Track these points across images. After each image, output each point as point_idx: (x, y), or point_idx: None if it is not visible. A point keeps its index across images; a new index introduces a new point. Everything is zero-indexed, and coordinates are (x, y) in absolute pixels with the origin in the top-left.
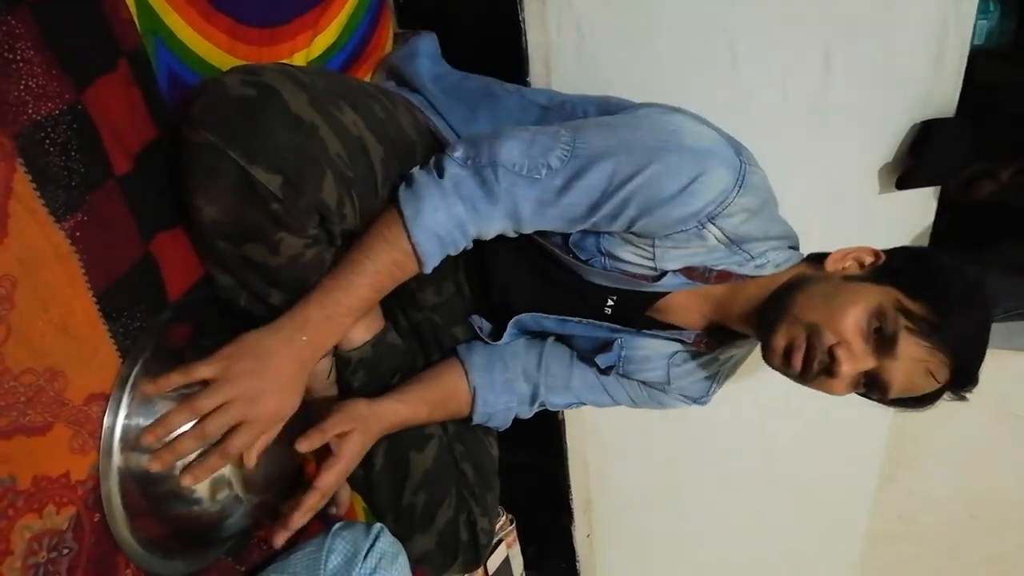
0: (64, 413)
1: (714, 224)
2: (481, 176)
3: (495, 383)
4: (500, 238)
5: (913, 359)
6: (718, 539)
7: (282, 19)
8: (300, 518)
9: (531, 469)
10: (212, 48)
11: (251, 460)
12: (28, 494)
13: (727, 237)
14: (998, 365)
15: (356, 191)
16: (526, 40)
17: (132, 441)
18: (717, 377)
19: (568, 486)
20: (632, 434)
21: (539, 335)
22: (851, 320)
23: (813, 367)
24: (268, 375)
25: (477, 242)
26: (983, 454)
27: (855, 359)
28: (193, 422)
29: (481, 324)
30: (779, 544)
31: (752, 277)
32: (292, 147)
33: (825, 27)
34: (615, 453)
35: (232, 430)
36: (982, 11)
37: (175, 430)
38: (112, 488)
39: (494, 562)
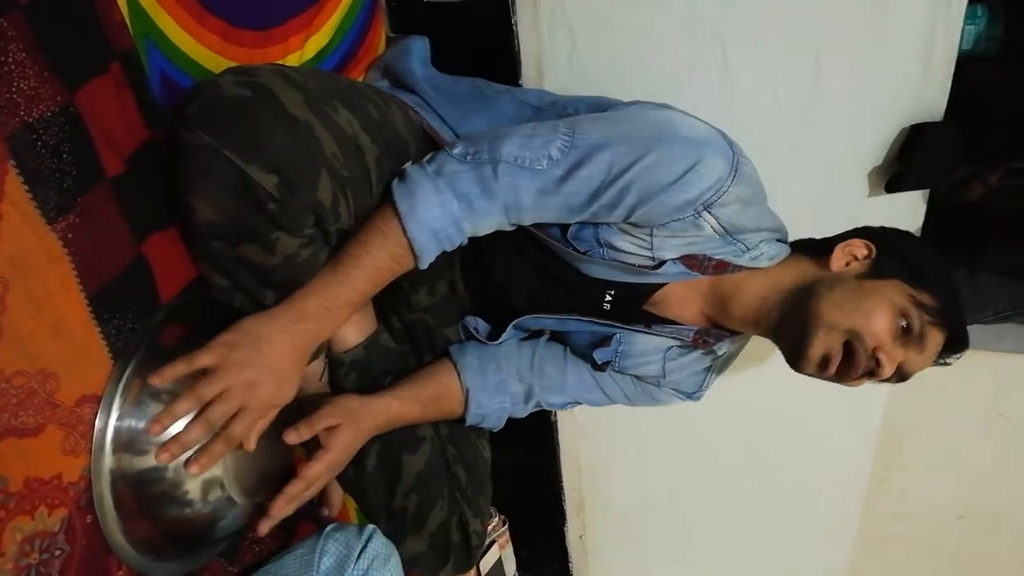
0: (56, 415)
1: (710, 213)
2: (479, 172)
3: (488, 384)
4: (498, 237)
5: (934, 347)
6: (710, 540)
7: (274, 21)
8: (282, 506)
9: (524, 470)
10: (204, 50)
11: (251, 444)
12: (20, 496)
13: (722, 227)
14: (987, 366)
15: (351, 191)
16: (518, 43)
17: (124, 443)
18: (708, 373)
19: (561, 487)
20: (624, 435)
21: (534, 334)
22: (883, 323)
23: (859, 372)
24: (265, 363)
25: (475, 242)
26: (972, 455)
27: (893, 360)
28: (194, 413)
29: (476, 325)
30: (771, 545)
31: (748, 269)
32: (288, 147)
33: (815, 32)
34: (608, 454)
35: (232, 417)
36: (970, 17)
37: (181, 418)
38: (104, 489)
39: (487, 563)
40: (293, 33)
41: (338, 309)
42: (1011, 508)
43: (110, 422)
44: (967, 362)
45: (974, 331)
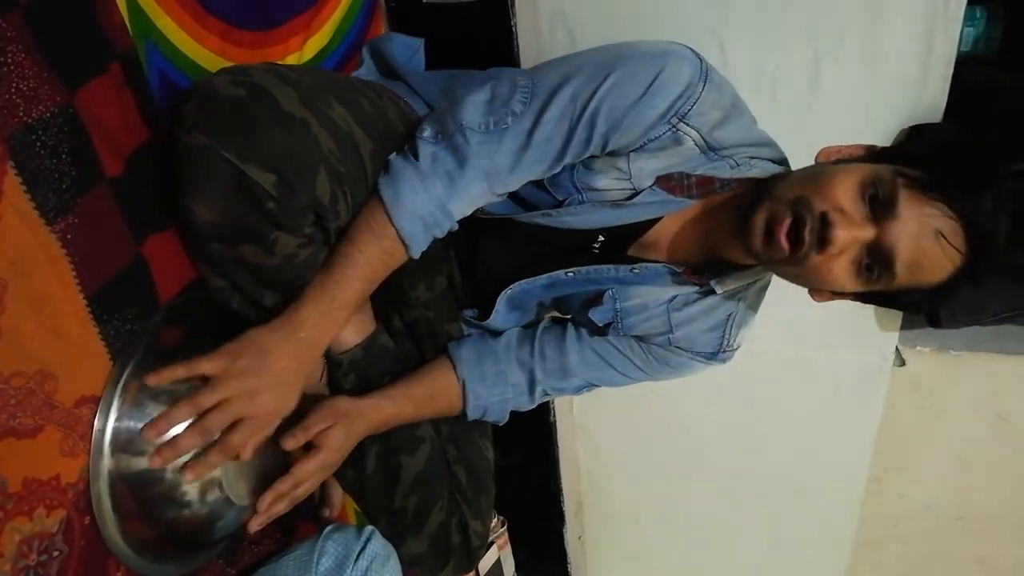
0: (54, 416)
1: (688, 124)
2: (453, 145)
3: (486, 375)
4: (483, 226)
5: (917, 216)
6: (708, 541)
7: (274, 22)
8: (269, 502)
9: (522, 471)
10: (204, 51)
11: (247, 455)
12: (18, 497)
13: (704, 141)
14: (985, 367)
15: (348, 187)
16: (518, 45)
17: (123, 443)
18: (727, 326)
19: (559, 488)
20: (623, 436)
21: (534, 323)
22: (841, 187)
23: (804, 238)
24: (267, 373)
25: (469, 234)
26: (970, 456)
27: (851, 223)
28: (191, 420)
29: (473, 313)
30: (769, 547)
31: (736, 182)
32: (285, 145)
33: (814, 33)
34: (606, 455)
35: (231, 426)
36: (969, 18)
37: (176, 425)
38: (102, 490)
39: (485, 564)
40: (292, 34)
41: (336, 312)
42: (1010, 509)
43: (109, 423)
44: (966, 363)
45: (973, 332)
